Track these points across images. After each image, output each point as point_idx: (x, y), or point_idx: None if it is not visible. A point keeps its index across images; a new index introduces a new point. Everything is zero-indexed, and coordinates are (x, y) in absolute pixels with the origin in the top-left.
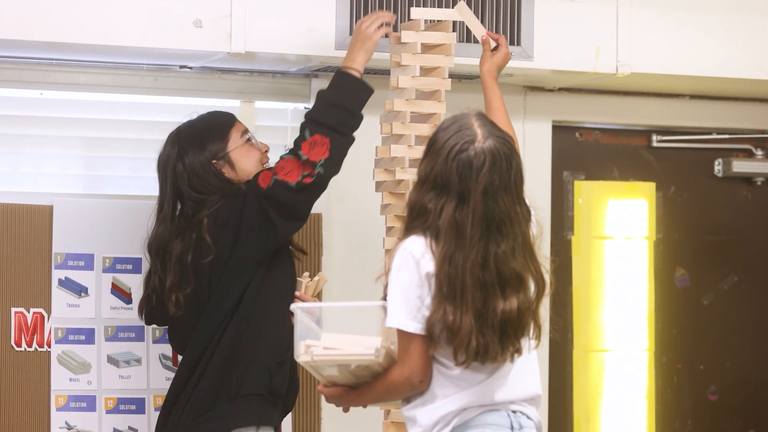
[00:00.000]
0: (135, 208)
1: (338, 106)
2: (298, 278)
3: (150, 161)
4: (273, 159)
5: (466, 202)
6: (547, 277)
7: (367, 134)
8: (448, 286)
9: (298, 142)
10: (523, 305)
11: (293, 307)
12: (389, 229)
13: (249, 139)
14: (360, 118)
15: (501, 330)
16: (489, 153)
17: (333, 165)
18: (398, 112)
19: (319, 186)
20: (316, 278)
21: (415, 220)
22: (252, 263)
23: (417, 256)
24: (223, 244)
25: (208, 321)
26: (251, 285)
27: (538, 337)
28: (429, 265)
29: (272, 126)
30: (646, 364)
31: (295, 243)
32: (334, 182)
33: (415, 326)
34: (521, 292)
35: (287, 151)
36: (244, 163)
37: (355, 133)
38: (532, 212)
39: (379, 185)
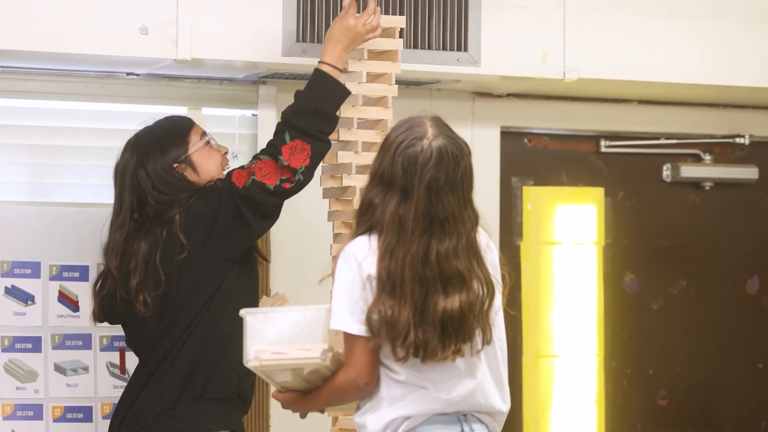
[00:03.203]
0: (82, 215)
1: (317, 112)
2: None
3: (97, 168)
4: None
5: (410, 196)
6: (498, 286)
7: None
8: (388, 279)
9: (276, 145)
10: (465, 305)
11: (242, 312)
12: (336, 236)
13: (208, 142)
14: (336, 122)
15: (441, 327)
16: (436, 150)
17: (311, 172)
18: (345, 118)
19: (295, 192)
20: (273, 297)
21: (364, 215)
22: (223, 262)
23: (359, 258)
24: (195, 241)
25: (175, 321)
26: (222, 285)
27: (486, 341)
28: (371, 267)
29: (220, 133)
30: (596, 369)
31: (258, 249)
32: None
33: (359, 328)
34: (464, 292)
35: (263, 152)
36: (205, 165)
37: None
38: (481, 221)
39: (326, 192)
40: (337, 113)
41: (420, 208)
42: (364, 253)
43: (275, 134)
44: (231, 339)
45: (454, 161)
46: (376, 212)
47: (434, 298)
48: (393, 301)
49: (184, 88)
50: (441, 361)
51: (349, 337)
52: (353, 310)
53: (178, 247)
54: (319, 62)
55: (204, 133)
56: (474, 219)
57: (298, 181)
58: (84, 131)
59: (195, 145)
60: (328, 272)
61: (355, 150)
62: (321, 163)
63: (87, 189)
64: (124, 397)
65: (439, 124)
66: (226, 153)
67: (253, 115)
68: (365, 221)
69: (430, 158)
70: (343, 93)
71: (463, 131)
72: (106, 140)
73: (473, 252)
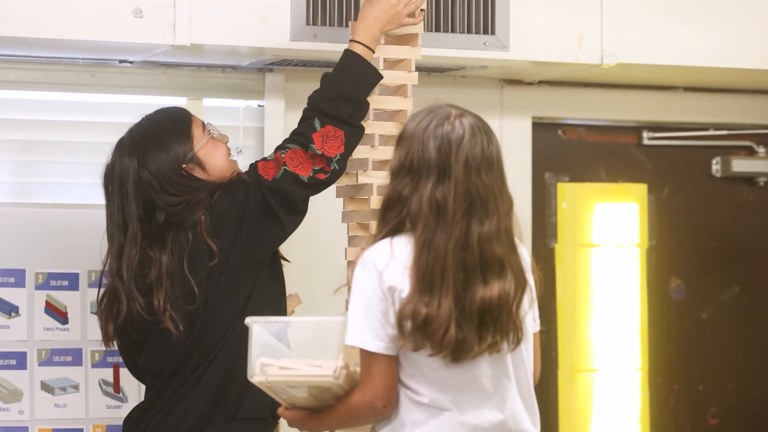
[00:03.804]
0: (71, 218)
1: (348, 98)
2: None
3: (87, 166)
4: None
5: (447, 176)
6: (530, 277)
7: None
8: (426, 273)
9: (305, 133)
10: (503, 295)
11: (248, 320)
12: (351, 239)
13: (212, 134)
14: (367, 109)
15: (479, 319)
16: (468, 125)
17: (346, 160)
18: None
19: (330, 183)
20: (287, 298)
21: (391, 210)
22: (254, 265)
23: (380, 266)
24: (224, 244)
25: (204, 336)
26: (254, 292)
27: (516, 341)
28: (393, 277)
29: (223, 126)
30: (640, 384)
31: (278, 251)
32: None
33: (378, 345)
34: (502, 280)
35: (290, 141)
36: (214, 161)
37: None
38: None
39: (339, 190)
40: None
41: (460, 186)
42: (385, 261)
43: (302, 121)
44: None
45: (487, 136)
46: (408, 204)
47: (473, 288)
48: (429, 297)
49: (183, 77)
50: (475, 359)
51: (365, 355)
52: (371, 324)
53: (206, 253)
54: (351, 42)
55: (204, 125)
56: (509, 203)
57: (333, 171)
58: (73, 125)
59: (200, 141)
60: (343, 281)
61: (371, 144)
62: None
63: (77, 188)
64: (134, 422)
65: (459, 106)
66: (227, 141)
67: (259, 106)
68: (393, 217)
69: (463, 134)
70: (375, 77)
71: (490, 122)
72: (97, 134)
73: (509, 239)
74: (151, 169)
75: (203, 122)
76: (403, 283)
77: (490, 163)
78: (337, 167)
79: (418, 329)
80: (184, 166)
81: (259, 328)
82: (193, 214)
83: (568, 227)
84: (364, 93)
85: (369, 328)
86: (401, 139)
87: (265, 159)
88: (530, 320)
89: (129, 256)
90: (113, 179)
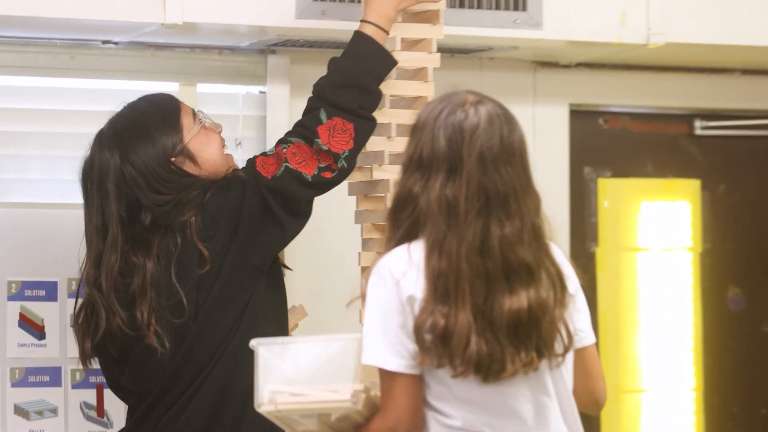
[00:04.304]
0: (48, 219)
1: (358, 86)
2: None
3: (66, 161)
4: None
5: (458, 171)
6: (571, 284)
7: None
8: (439, 280)
9: (310, 126)
10: (535, 304)
11: (253, 343)
12: (366, 242)
13: (204, 123)
14: (380, 98)
15: (509, 333)
16: (485, 113)
17: (355, 157)
18: None
19: (337, 183)
20: (290, 310)
21: (402, 211)
22: (250, 272)
23: (396, 275)
24: (216, 248)
25: (195, 351)
26: (251, 302)
27: (558, 357)
28: (412, 286)
29: (220, 115)
30: (693, 407)
31: (279, 257)
32: None
33: (398, 363)
34: (532, 288)
35: (292, 135)
36: (206, 153)
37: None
38: (543, 209)
39: (352, 187)
40: (381, 88)
41: (473, 182)
42: (402, 269)
43: (306, 112)
44: None
45: (508, 124)
46: (419, 203)
47: (498, 297)
48: (446, 307)
49: (175, 60)
50: (510, 378)
51: (385, 375)
52: (390, 340)
53: (196, 259)
54: (362, 22)
55: (194, 113)
56: (537, 201)
57: (341, 169)
58: (50, 114)
59: (191, 131)
60: (357, 292)
61: (387, 135)
62: None
63: (54, 186)
64: None
65: (478, 92)
66: (221, 131)
67: (260, 92)
68: (405, 218)
69: (478, 123)
70: (388, 63)
71: (522, 110)
72: (78, 125)
73: (539, 240)
74: (136, 164)
75: (193, 110)
76: (423, 291)
77: (511, 156)
78: (345, 165)
79: (438, 343)
80: (173, 159)
81: (266, 350)
82: (183, 215)
83: (611, 229)
84: (376, 81)
85: (387, 344)
86: (413, 130)
87: (264, 154)
88: (575, 331)
89: (108, 264)
90: (92, 176)
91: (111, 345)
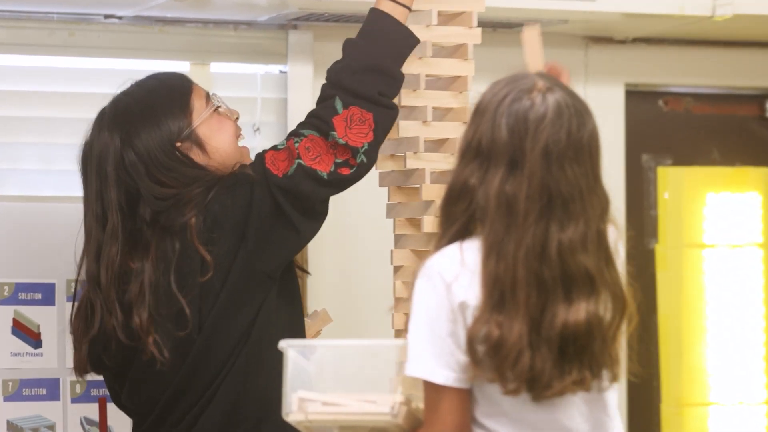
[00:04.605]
0: (45, 214)
1: (377, 69)
2: None
3: (66, 149)
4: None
5: (519, 166)
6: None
7: None
8: (495, 287)
9: (324, 117)
10: (593, 318)
11: (283, 344)
12: (399, 238)
13: (218, 108)
14: (402, 81)
15: (559, 348)
16: (553, 103)
17: (376, 151)
18: (409, 75)
19: (355, 180)
20: (312, 316)
21: (456, 204)
22: (261, 280)
23: (448, 277)
24: (222, 253)
25: (201, 367)
26: (261, 312)
27: (612, 378)
28: (464, 291)
29: (236, 97)
30: (766, 422)
31: (296, 259)
32: None
33: (447, 375)
34: (591, 300)
35: (305, 126)
36: (217, 141)
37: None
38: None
39: (383, 178)
40: (416, 67)
41: (535, 180)
42: (454, 272)
43: (320, 101)
44: (278, 386)
45: (578, 118)
46: (475, 197)
47: (553, 308)
48: (502, 317)
49: (185, 36)
50: (557, 396)
51: (432, 388)
52: (439, 350)
53: (198, 266)
54: None
55: (208, 96)
56: (604, 204)
57: (360, 165)
58: (47, 97)
59: (201, 114)
60: (391, 296)
61: (422, 119)
62: None
63: (52, 177)
64: None
65: (550, 77)
66: (237, 119)
67: (280, 72)
68: (460, 212)
69: (545, 113)
70: (410, 42)
71: (573, 88)
72: (78, 109)
73: (603, 249)
74: (137, 149)
75: (207, 93)
76: (477, 298)
77: (578, 153)
78: (364, 160)
79: (491, 355)
80: (178, 144)
81: (296, 353)
82: (183, 216)
83: (672, 223)
84: (397, 63)
85: (435, 354)
86: (474, 112)
87: (275, 148)
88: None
89: (109, 256)
90: (91, 159)
91: (106, 355)
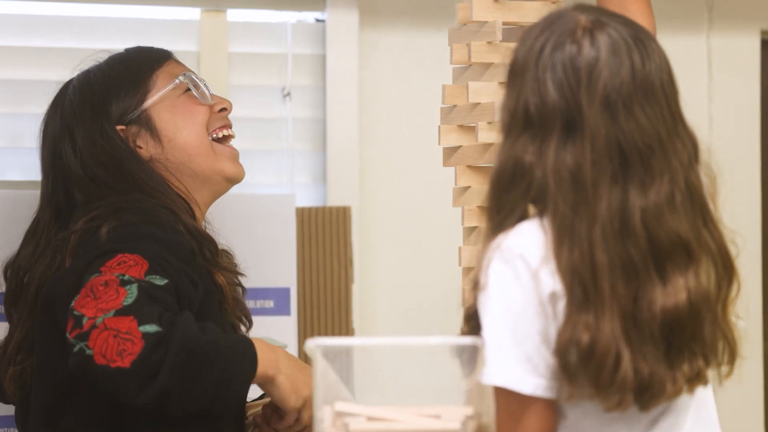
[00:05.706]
0: (15, 201)
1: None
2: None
3: (40, 120)
4: (241, 131)
5: (577, 126)
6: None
7: (426, 66)
8: (574, 279)
9: None
10: (696, 296)
11: (311, 343)
12: (469, 232)
13: (187, 89)
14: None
15: (665, 339)
16: (605, 40)
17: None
18: (481, 23)
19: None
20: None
21: (509, 190)
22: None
23: (533, 262)
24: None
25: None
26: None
27: (730, 362)
28: (554, 279)
29: (260, 53)
30: None
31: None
32: (370, 159)
33: (535, 384)
34: (691, 273)
35: None
36: (175, 126)
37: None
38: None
39: (449, 154)
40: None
41: (599, 139)
42: (540, 253)
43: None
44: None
45: (640, 49)
46: (534, 176)
47: (647, 293)
48: (590, 316)
49: None
50: (671, 399)
51: (515, 399)
52: (525, 353)
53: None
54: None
55: (184, 74)
56: (690, 148)
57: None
58: (20, 53)
59: (159, 91)
60: (461, 291)
61: (499, 80)
62: (439, 105)
63: (18, 157)
64: None
65: (592, 7)
66: (223, 109)
67: (317, 20)
68: (517, 198)
69: (597, 56)
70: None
71: (694, 42)
72: (58, 69)
73: (697, 204)
74: (76, 137)
75: (186, 70)
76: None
77: (649, 92)
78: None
79: (583, 365)
80: (120, 128)
81: (327, 354)
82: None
83: None
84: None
85: (521, 358)
86: (510, 75)
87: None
88: None
89: (19, 257)
90: (41, 143)
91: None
